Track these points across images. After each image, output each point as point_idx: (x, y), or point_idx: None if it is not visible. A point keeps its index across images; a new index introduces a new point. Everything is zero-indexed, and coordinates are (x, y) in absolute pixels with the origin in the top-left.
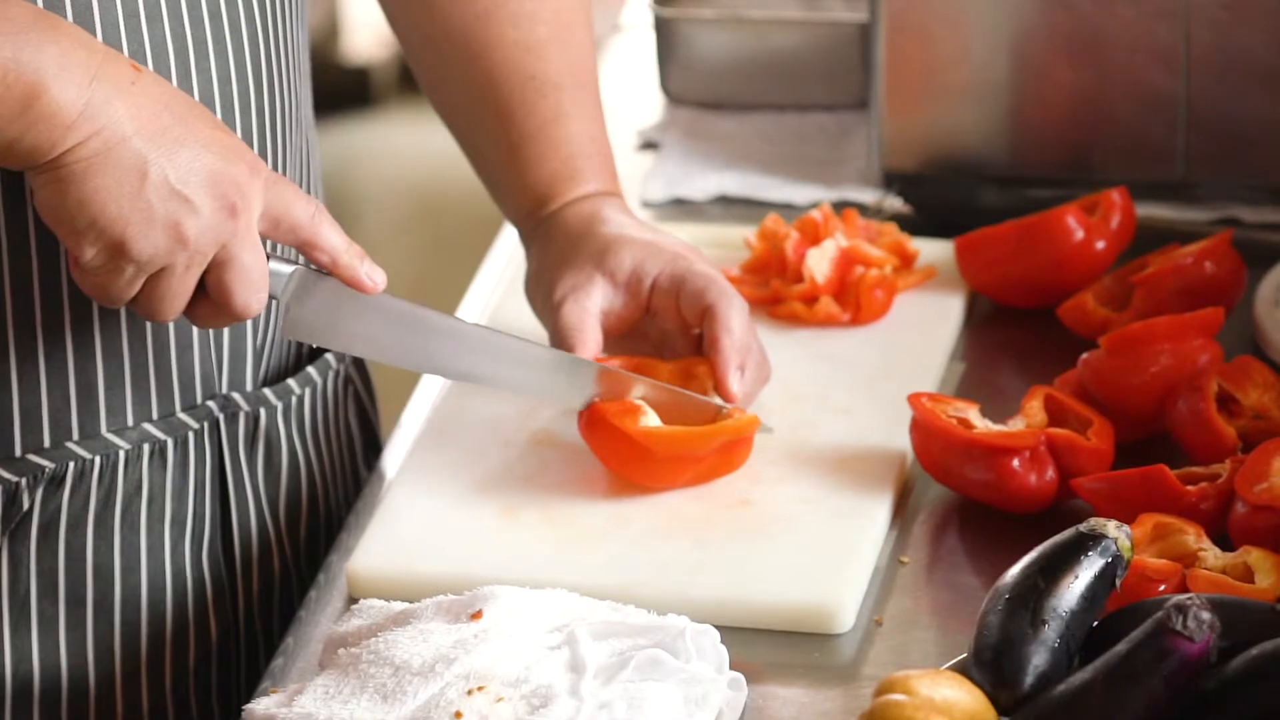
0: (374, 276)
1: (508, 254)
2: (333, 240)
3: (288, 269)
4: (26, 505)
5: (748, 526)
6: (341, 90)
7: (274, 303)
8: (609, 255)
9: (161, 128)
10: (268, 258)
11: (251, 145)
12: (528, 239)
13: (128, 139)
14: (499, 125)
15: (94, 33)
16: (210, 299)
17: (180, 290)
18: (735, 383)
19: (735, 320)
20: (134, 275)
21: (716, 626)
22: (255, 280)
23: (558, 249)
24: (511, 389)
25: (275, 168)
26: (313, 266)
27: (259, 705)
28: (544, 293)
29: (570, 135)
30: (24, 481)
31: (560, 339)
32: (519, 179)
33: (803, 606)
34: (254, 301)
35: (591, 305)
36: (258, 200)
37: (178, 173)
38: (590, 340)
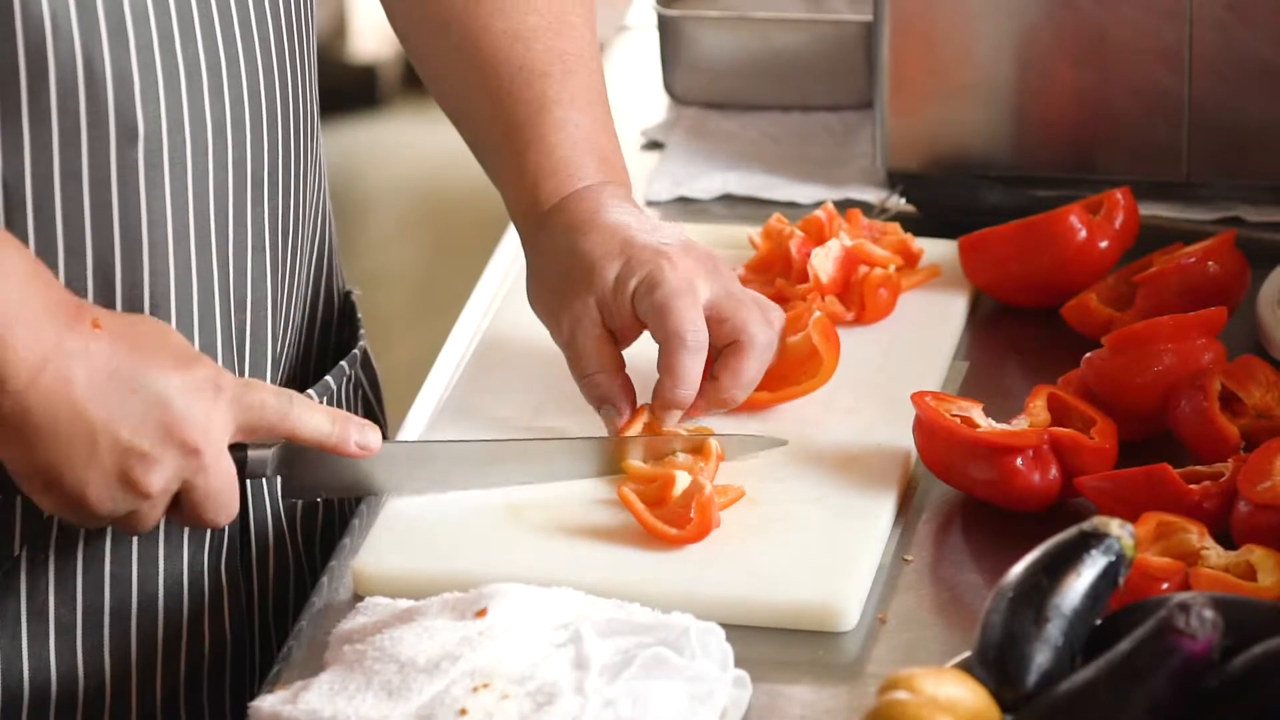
0: (365, 442)
1: (513, 253)
2: (312, 428)
3: (267, 451)
4: (46, 514)
5: (752, 525)
6: (348, 90)
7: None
8: (595, 275)
9: (113, 386)
10: (246, 450)
11: (277, 160)
12: (524, 242)
13: (77, 408)
14: (490, 116)
15: (127, 55)
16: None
17: (150, 519)
18: (667, 420)
19: (681, 363)
20: (100, 521)
21: (721, 624)
22: (223, 502)
23: (553, 266)
24: (533, 481)
25: (296, 180)
26: None
27: (265, 702)
28: (547, 313)
29: (556, 124)
30: None
31: (588, 393)
32: (510, 172)
33: (807, 604)
34: (223, 517)
35: (596, 331)
36: (222, 426)
37: (130, 429)
38: (618, 392)
